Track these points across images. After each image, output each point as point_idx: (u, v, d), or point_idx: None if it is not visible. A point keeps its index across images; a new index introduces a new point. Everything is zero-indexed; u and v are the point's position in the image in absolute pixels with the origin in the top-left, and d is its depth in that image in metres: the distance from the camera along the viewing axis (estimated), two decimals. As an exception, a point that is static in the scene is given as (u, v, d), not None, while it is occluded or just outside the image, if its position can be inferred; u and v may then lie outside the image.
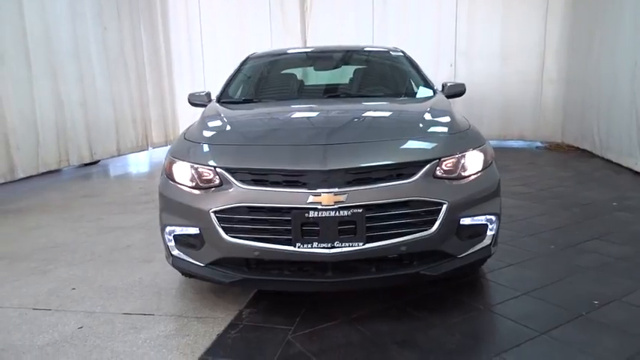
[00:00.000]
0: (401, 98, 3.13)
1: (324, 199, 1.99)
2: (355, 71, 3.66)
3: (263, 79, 3.58)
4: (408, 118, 2.67)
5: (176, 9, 9.24)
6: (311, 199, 2.00)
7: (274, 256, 2.08)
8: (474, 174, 2.25)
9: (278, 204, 2.03)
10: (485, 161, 2.32)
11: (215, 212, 2.10)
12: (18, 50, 6.09)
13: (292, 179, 2.07)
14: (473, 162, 2.26)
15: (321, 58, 3.86)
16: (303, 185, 2.04)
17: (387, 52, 3.95)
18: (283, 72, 3.70)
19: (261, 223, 2.07)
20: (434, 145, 2.24)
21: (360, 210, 2.00)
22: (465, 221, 2.18)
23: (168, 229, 2.30)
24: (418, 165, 2.11)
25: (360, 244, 2.02)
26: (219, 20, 9.08)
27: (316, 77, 3.68)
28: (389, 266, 2.13)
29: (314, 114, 2.87)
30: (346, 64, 3.79)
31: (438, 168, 2.14)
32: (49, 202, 4.99)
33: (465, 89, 3.55)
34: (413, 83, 3.48)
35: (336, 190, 2.01)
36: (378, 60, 3.92)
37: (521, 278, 2.62)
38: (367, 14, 8.53)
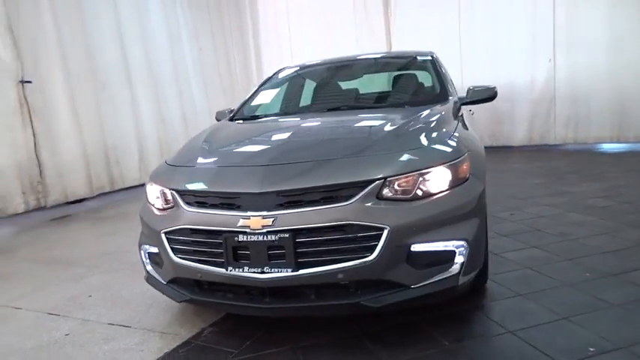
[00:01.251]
0: (399, 109, 2.90)
1: (252, 222, 1.94)
2: (370, 82, 3.51)
3: (278, 95, 3.59)
4: (367, 134, 2.45)
5: (267, 26, 9.68)
6: (241, 222, 1.96)
7: (213, 278, 2.09)
8: (436, 194, 2.01)
9: (213, 227, 2.03)
10: (454, 179, 2.06)
11: (165, 233, 2.17)
12: (119, 75, 6.94)
13: (228, 202, 2.05)
14: (435, 180, 2.02)
15: (340, 70, 3.74)
16: (237, 208, 2.01)
17: (413, 57, 3.70)
18: (299, 86, 3.67)
19: (201, 245, 2.09)
20: (380, 164, 2.03)
21: (287, 235, 1.91)
22: (418, 248, 1.96)
23: (143, 246, 2.44)
24: (358, 186, 1.94)
25: (289, 270, 1.93)
26: (308, 34, 9.27)
27: (330, 90, 3.58)
28: (330, 294, 2.00)
29: (287, 133, 2.79)
30: (365, 74, 3.64)
31: (385, 189, 1.95)
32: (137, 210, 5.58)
33: (495, 93, 3.18)
34: (426, 91, 3.21)
35: (264, 213, 1.95)
36: (398, 68, 3.70)
37: (520, 312, 2.26)
38: (453, 11, 8.04)
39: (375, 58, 3.85)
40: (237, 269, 1.99)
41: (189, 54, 8.14)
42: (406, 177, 1.98)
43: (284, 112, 3.34)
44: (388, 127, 2.41)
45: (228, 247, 1.99)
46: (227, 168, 2.24)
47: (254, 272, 1.96)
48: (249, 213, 1.97)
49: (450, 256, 2.02)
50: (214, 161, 2.38)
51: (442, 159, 2.08)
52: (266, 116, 3.24)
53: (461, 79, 7.47)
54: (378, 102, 3.34)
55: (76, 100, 6.33)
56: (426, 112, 2.66)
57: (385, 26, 8.69)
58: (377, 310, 1.97)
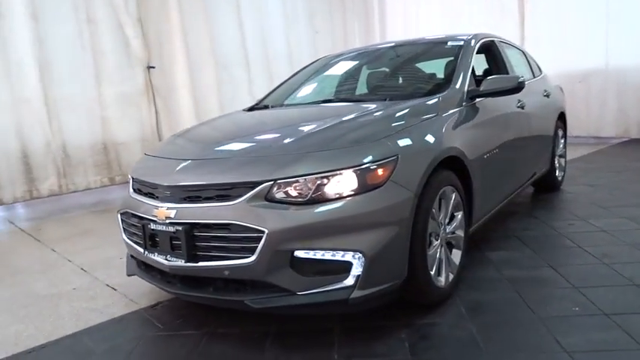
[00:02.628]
0: (375, 103, 2.66)
1: (159, 213, 2.08)
2: (382, 71, 3.27)
3: (302, 83, 3.58)
4: (295, 132, 2.31)
5: (394, 11, 9.41)
6: (154, 211, 2.12)
7: (140, 258, 2.30)
8: (333, 200, 1.89)
9: (139, 213, 2.23)
10: (360, 185, 1.90)
11: (119, 213, 2.45)
12: (237, 58, 7.57)
13: (150, 191, 2.23)
14: (334, 185, 1.90)
15: (361, 60, 3.55)
16: (155, 198, 2.18)
17: (443, 43, 3.32)
18: (318, 75, 3.59)
19: (133, 227, 2.31)
20: (273, 165, 1.97)
21: (181, 227, 2.00)
22: (302, 254, 1.88)
23: None
24: (247, 186, 1.93)
25: (182, 261, 2.03)
26: (437, 18, 8.80)
27: (337, 81, 3.43)
28: (222, 288, 2.04)
29: (241, 127, 2.81)
30: (383, 66, 3.41)
31: (276, 191, 1.91)
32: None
33: (519, 84, 2.74)
34: (427, 81, 2.90)
35: (168, 205, 2.07)
36: (417, 57, 3.35)
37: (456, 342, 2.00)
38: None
39: (398, 47, 3.56)
40: (151, 253, 2.17)
41: (304, 36, 8.42)
42: (299, 180, 1.90)
43: (284, 103, 3.34)
44: (319, 126, 2.29)
45: (146, 232, 2.17)
46: (161, 159, 2.40)
47: (161, 258, 2.11)
48: (159, 204, 2.11)
49: (344, 267, 1.89)
50: (160, 151, 2.56)
51: (348, 163, 1.93)
52: (272, 107, 3.30)
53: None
54: (368, 95, 3.13)
55: (195, 82, 7.12)
56: (392, 107, 2.44)
57: (519, 8, 7.79)
58: (258, 310, 1.96)
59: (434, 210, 2.19)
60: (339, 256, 1.89)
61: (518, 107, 3.34)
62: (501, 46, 3.64)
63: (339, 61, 3.64)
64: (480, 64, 3.66)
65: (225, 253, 1.95)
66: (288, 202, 1.90)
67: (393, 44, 3.60)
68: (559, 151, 4.55)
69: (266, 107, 3.33)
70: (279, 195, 1.91)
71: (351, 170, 1.91)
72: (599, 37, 7.06)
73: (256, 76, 7.76)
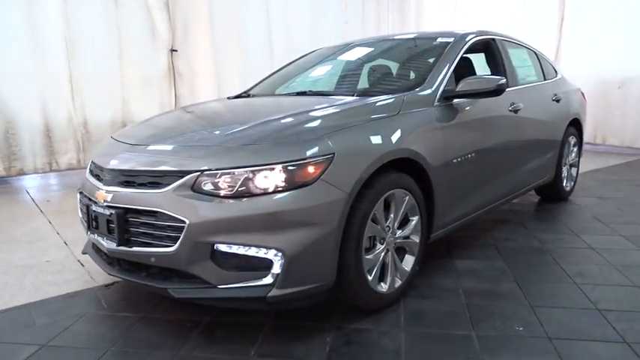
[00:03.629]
0: (339, 98, 2.59)
1: (98, 195, 2.12)
2: (361, 66, 3.18)
3: (291, 74, 3.53)
4: (244, 122, 2.26)
5: (432, 3, 9.14)
6: (96, 193, 2.16)
7: (88, 237, 2.35)
8: (258, 195, 1.86)
9: (86, 193, 2.28)
10: (288, 181, 1.86)
11: (78, 192, 2.51)
12: (263, 45, 7.59)
13: (97, 173, 2.27)
14: (260, 180, 1.86)
15: (353, 52, 3.43)
16: (100, 180, 2.21)
17: (433, 40, 3.17)
18: (309, 67, 3.51)
19: (83, 207, 2.36)
20: (202, 156, 1.95)
21: (114, 211, 2.02)
22: (224, 248, 1.86)
23: None
24: (175, 175, 1.93)
25: (114, 244, 2.05)
26: (476, 15, 8.49)
27: (328, 73, 3.34)
28: (153, 275, 2.06)
29: (204, 115, 2.78)
30: (368, 58, 3.30)
31: (204, 182, 1.89)
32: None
33: (499, 86, 2.60)
34: (402, 79, 2.78)
35: (107, 188, 2.10)
36: (408, 51, 3.22)
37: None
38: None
39: (387, 41, 3.42)
40: (93, 234, 2.21)
41: (332, 26, 8.32)
42: (226, 173, 1.87)
43: (265, 93, 3.30)
44: (267, 118, 2.25)
45: (90, 213, 2.21)
46: (116, 142, 2.42)
47: (101, 239, 2.15)
48: (101, 186, 2.15)
49: (264, 264, 1.86)
50: (120, 134, 2.59)
51: (277, 158, 1.88)
52: (252, 96, 3.28)
53: None
54: (341, 89, 3.05)
55: (218, 68, 7.19)
56: (346, 104, 2.37)
57: (559, 7, 7.38)
58: (180, 300, 1.96)
59: (376, 213, 2.12)
60: (259, 252, 1.85)
61: (511, 111, 3.17)
62: (503, 45, 3.45)
63: (329, 54, 3.56)
64: (481, 63, 3.51)
65: (152, 240, 1.96)
66: (213, 195, 1.88)
67: (383, 38, 3.48)
68: (569, 160, 4.29)
69: (248, 96, 3.32)
70: (206, 186, 1.89)
71: (279, 166, 1.86)
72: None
73: (280, 65, 7.74)
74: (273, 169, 1.87)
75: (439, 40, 3.12)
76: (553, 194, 4.21)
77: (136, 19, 6.46)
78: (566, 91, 4.16)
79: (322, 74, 3.39)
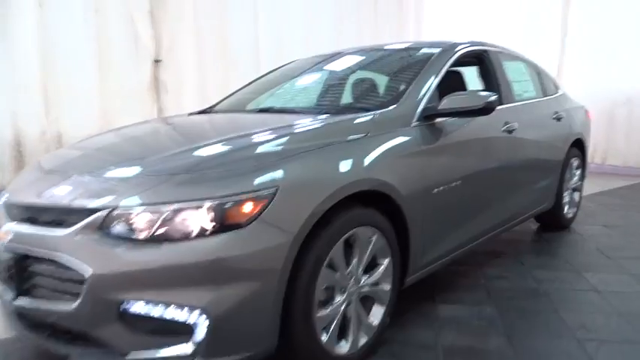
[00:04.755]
0: (307, 116, 2.23)
1: (0, 233, 1.75)
2: (336, 80, 2.83)
3: (258, 89, 3.18)
4: (176, 149, 1.89)
5: (432, 16, 8.84)
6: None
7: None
8: (179, 240, 1.49)
9: None
10: (215, 225, 1.49)
11: None
12: (252, 56, 7.27)
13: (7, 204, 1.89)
14: (182, 222, 1.49)
15: (330, 65, 3.07)
16: (8, 214, 1.84)
17: (416, 50, 2.82)
18: (282, 80, 3.15)
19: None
20: (114, 188, 1.58)
21: (12, 255, 1.66)
22: (135, 307, 1.48)
23: None
24: (82, 213, 1.56)
25: (11, 296, 1.68)
26: (477, 29, 8.18)
27: (299, 88, 2.98)
28: (57, 334, 1.67)
29: (154, 137, 2.37)
30: (346, 71, 2.94)
31: (113, 222, 1.52)
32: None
33: (488, 104, 2.23)
34: (379, 94, 2.43)
35: (10, 225, 1.73)
36: (389, 63, 2.86)
37: None
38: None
39: (368, 52, 3.04)
40: (-5, 281, 1.84)
41: (326, 38, 8.00)
42: (140, 211, 1.51)
43: (227, 109, 2.95)
44: (204, 142, 1.89)
45: (-7, 253, 1.84)
46: (35, 168, 2.05)
47: (0, 286, 1.78)
48: (4, 221, 1.78)
49: (184, 328, 1.48)
50: (43, 159, 2.21)
51: (202, 194, 1.52)
52: (216, 112, 2.93)
53: None
54: (309, 105, 2.68)
55: (205, 80, 6.87)
56: (307, 124, 2.02)
57: (562, 20, 7.04)
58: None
59: (333, 257, 1.74)
60: (179, 313, 1.48)
61: (505, 131, 2.80)
62: (497, 57, 3.09)
63: (304, 66, 3.20)
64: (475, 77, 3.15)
65: (53, 294, 1.59)
66: (124, 238, 1.51)
67: (363, 49, 3.13)
68: (572, 184, 3.91)
69: (210, 112, 2.97)
70: (116, 228, 1.52)
71: (207, 203, 1.50)
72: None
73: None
74: (198, 207, 1.50)
75: (423, 50, 2.77)
76: (553, 222, 3.83)
77: (117, 27, 6.16)
78: (568, 108, 3.79)
79: (294, 88, 3.03)
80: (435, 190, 2.21)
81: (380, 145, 1.98)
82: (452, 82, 2.78)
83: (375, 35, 8.39)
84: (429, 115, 2.26)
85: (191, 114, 3.00)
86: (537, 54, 6.04)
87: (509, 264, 3.08)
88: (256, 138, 1.88)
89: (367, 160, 1.88)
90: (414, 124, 2.19)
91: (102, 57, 6.05)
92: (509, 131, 2.83)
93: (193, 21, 6.62)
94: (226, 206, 1.50)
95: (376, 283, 1.98)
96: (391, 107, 2.20)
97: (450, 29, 8.55)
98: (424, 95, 2.31)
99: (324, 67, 3.08)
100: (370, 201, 1.90)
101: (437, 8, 8.84)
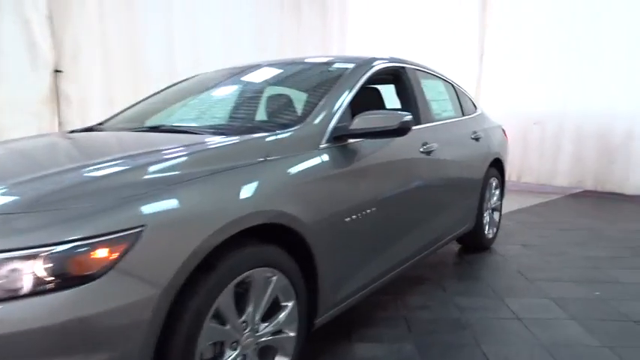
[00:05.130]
0: (197, 137, 1.94)
1: None
2: (238, 97, 2.56)
3: (152, 105, 2.83)
4: (24, 177, 1.51)
5: (355, 32, 8.84)
6: None
7: None
8: (7, 300, 1.12)
9: None
10: (57, 277, 1.14)
11: None
12: (169, 70, 6.82)
13: None
14: (14, 275, 1.13)
15: (233, 79, 2.79)
16: None
17: (328, 65, 2.64)
18: (184, 95, 2.83)
19: None
20: None
21: None
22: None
23: None
24: None
25: None
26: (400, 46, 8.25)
27: (200, 104, 2.68)
28: None
29: (19, 159, 1.95)
30: (249, 87, 2.68)
31: None
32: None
33: (399, 125, 2.03)
34: (283, 113, 2.20)
35: None
36: (298, 79, 2.64)
37: None
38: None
39: (274, 67, 2.80)
40: None
41: (247, 50, 7.72)
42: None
43: (119, 125, 2.57)
44: (61, 167, 1.54)
45: None
46: None
47: None
48: None
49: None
50: None
51: (41, 237, 1.16)
52: (100, 130, 2.54)
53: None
54: (205, 124, 2.37)
55: (113, 91, 6.32)
56: (191, 146, 1.71)
57: (479, 40, 7.23)
58: None
59: (221, 307, 1.44)
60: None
61: (423, 152, 2.64)
62: (415, 75, 2.95)
63: (206, 81, 2.89)
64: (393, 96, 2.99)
65: None
66: None
67: (276, 62, 2.88)
68: (492, 204, 3.87)
69: (94, 129, 2.57)
70: None
71: (43, 251, 1.14)
72: (559, 78, 6.54)
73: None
74: (32, 256, 1.14)
75: (337, 65, 2.56)
76: (474, 243, 3.75)
77: (10, 33, 5.52)
78: (486, 128, 3.76)
79: (191, 104, 2.69)
80: (348, 218, 1.97)
81: (280, 171, 1.72)
82: (369, 100, 2.60)
83: (297, 48, 8.24)
84: (340, 136, 2.03)
85: (73, 131, 2.58)
86: (456, 73, 6.16)
87: (432, 291, 2.91)
88: (127, 164, 1.54)
89: (263, 189, 1.60)
90: (322, 145, 1.95)
91: (-9, 66, 5.38)
92: (428, 152, 2.68)
93: (101, 28, 6.09)
94: (72, 254, 1.16)
95: (278, 331, 1.70)
96: (296, 127, 1.95)
97: (373, 44, 8.59)
98: (334, 114, 2.08)
99: (228, 82, 2.78)
100: (270, 236, 1.63)
101: (361, 23, 8.85)
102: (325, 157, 1.93)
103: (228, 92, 2.70)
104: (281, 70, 2.73)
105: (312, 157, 1.87)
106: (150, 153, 1.64)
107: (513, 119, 6.65)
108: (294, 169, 1.76)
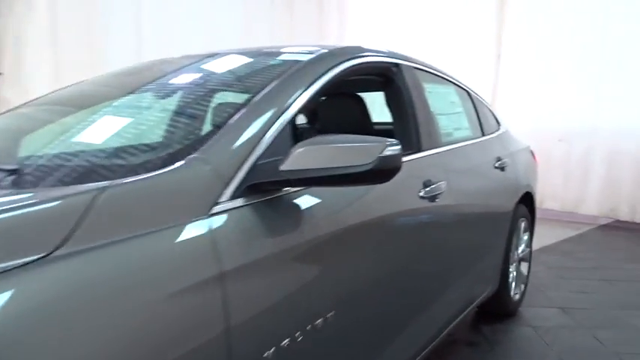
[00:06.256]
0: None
1: None
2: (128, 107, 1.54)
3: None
4: None
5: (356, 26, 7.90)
6: None
7: None
8: None
9: None
10: None
11: None
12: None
13: None
14: None
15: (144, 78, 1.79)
16: None
17: (273, 55, 1.66)
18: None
19: None
20: None
21: None
22: None
23: None
24: None
25: None
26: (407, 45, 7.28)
27: (86, 115, 1.66)
28: None
29: None
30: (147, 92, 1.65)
31: None
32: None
33: (375, 164, 1.04)
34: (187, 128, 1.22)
35: None
36: (225, 82, 1.60)
37: None
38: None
39: (198, 63, 1.78)
40: None
41: (235, 40, 6.78)
42: None
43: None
44: None
45: None
46: None
47: None
48: None
49: None
50: None
51: None
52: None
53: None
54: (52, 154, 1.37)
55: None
56: None
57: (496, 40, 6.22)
58: None
59: None
60: None
61: (425, 197, 1.64)
62: (414, 76, 1.94)
63: (117, 78, 1.91)
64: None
65: None
66: None
67: (187, 57, 1.90)
68: (519, 253, 2.87)
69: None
70: None
71: None
72: (589, 86, 5.53)
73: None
74: None
75: (282, 58, 1.59)
76: (497, 309, 2.74)
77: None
78: (512, 152, 2.76)
79: (81, 116, 1.68)
80: (285, 341, 0.99)
81: (78, 276, 0.73)
82: (344, 117, 1.64)
83: (290, 38, 7.29)
84: (261, 183, 1.05)
85: None
86: (468, 77, 5.16)
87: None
88: None
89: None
90: (219, 206, 0.97)
91: None
92: (432, 197, 1.68)
93: (50, 27, 5.19)
94: None
95: None
96: (167, 169, 0.96)
97: (374, 42, 7.59)
98: (255, 142, 1.09)
99: (111, 83, 1.80)
100: None
101: (362, 19, 7.85)
102: (222, 232, 0.94)
103: (92, 102, 1.70)
104: (194, 69, 1.72)
105: (187, 236, 0.88)
106: None
107: (534, 134, 5.60)
108: (141, 269, 0.77)
